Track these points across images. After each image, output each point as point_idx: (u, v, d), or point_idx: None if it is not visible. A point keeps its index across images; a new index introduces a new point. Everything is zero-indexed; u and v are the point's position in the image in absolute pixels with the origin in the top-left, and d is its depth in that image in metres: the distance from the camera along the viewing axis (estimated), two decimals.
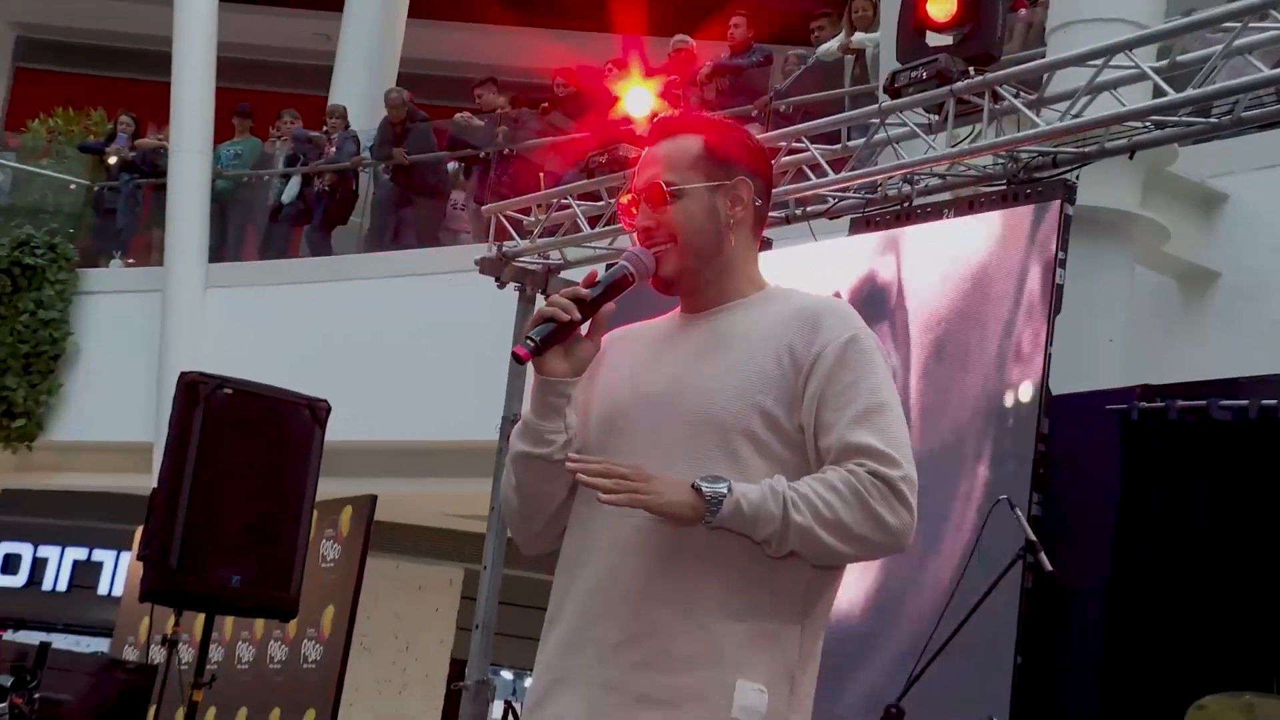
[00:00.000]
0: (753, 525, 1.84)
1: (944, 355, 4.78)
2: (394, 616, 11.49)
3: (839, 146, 5.51)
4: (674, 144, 2.06)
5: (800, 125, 5.78)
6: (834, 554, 1.88)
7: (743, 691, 1.87)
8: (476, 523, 8.17)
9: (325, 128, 11.21)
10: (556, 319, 2.01)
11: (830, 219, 5.65)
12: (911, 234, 5.09)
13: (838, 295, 5.03)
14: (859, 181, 5.37)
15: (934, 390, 4.77)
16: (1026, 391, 4.48)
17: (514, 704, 7.34)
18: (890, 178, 5.30)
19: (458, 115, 10.66)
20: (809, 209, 5.71)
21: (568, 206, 6.51)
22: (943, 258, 4.92)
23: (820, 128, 5.57)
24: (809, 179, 5.52)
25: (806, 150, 5.55)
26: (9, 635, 10.04)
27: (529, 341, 2.01)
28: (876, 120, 5.19)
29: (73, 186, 12.01)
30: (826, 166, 5.43)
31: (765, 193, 2.08)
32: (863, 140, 5.39)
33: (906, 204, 5.22)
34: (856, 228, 5.37)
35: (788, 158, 5.62)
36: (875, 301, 5.04)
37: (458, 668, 11.47)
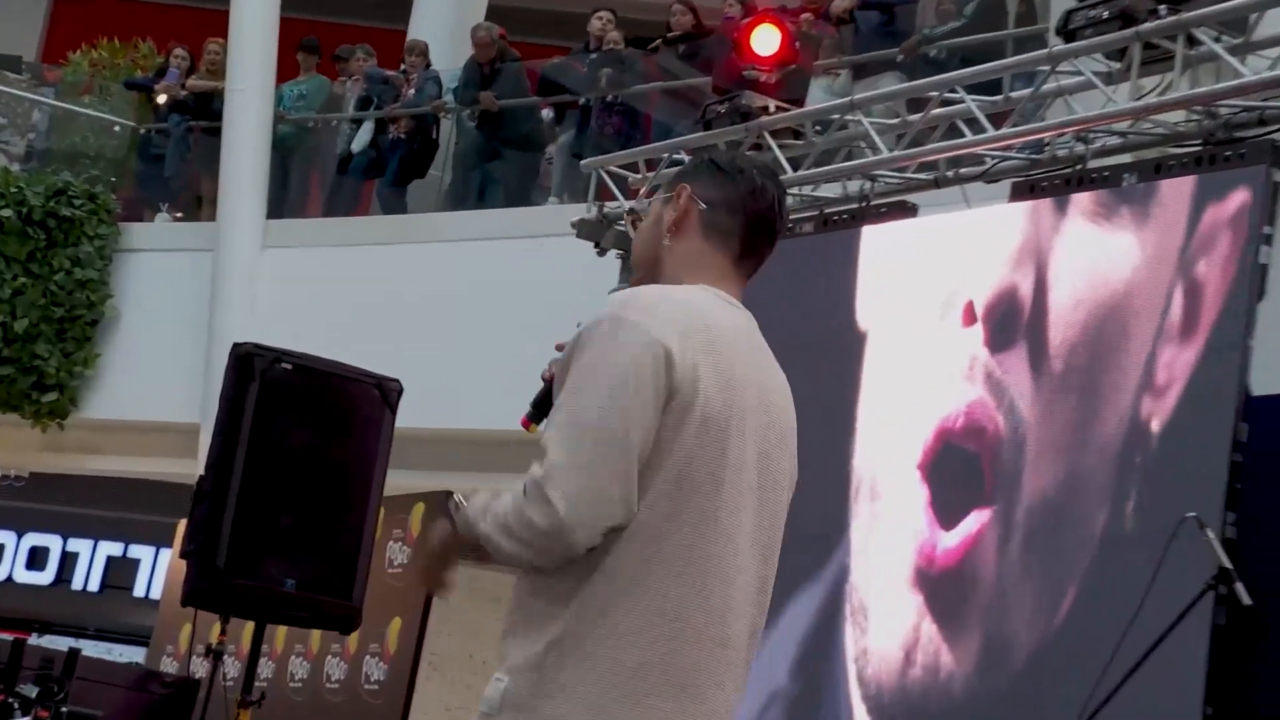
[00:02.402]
0: (473, 534, 2.41)
1: (1094, 353, 4.74)
2: (468, 632, 11.63)
3: (999, 98, 5.47)
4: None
5: (955, 73, 5.74)
6: (514, 558, 2.35)
7: (491, 682, 2.36)
8: None
9: (403, 67, 11.33)
10: (545, 379, 2.52)
11: (987, 183, 5.62)
12: (1078, 203, 5.04)
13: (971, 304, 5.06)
14: (1023, 140, 5.33)
15: (1075, 401, 4.73)
16: (1201, 395, 4.42)
17: None
18: (1060, 135, 5.25)
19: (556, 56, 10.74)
20: (961, 170, 5.67)
21: (679, 163, 6.53)
22: (1097, 238, 4.87)
23: (978, 76, 5.54)
24: (963, 136, 5.49)
25: (961, 102, 5.51)
26: (34, 640, 10.34)
27: (531, 410, 2.60)
28: (1046, 68, 5.14)
29: (116, 128, 12.25)
30: (985, 121, 5.39)
31: (722, 200, 2.55)
32: (1028, 91, 5.34)
33: (1079, 167, 5.17)
34: (1018, 194, 5.33)
35: (939, 110, 5.59)
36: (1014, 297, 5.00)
37: None
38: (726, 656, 2.41)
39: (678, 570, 2.35)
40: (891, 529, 5.20)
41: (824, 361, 5.54)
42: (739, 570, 2.42)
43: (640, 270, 2.61)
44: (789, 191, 6.19)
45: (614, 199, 6.78)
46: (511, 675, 2.33)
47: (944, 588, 4.94)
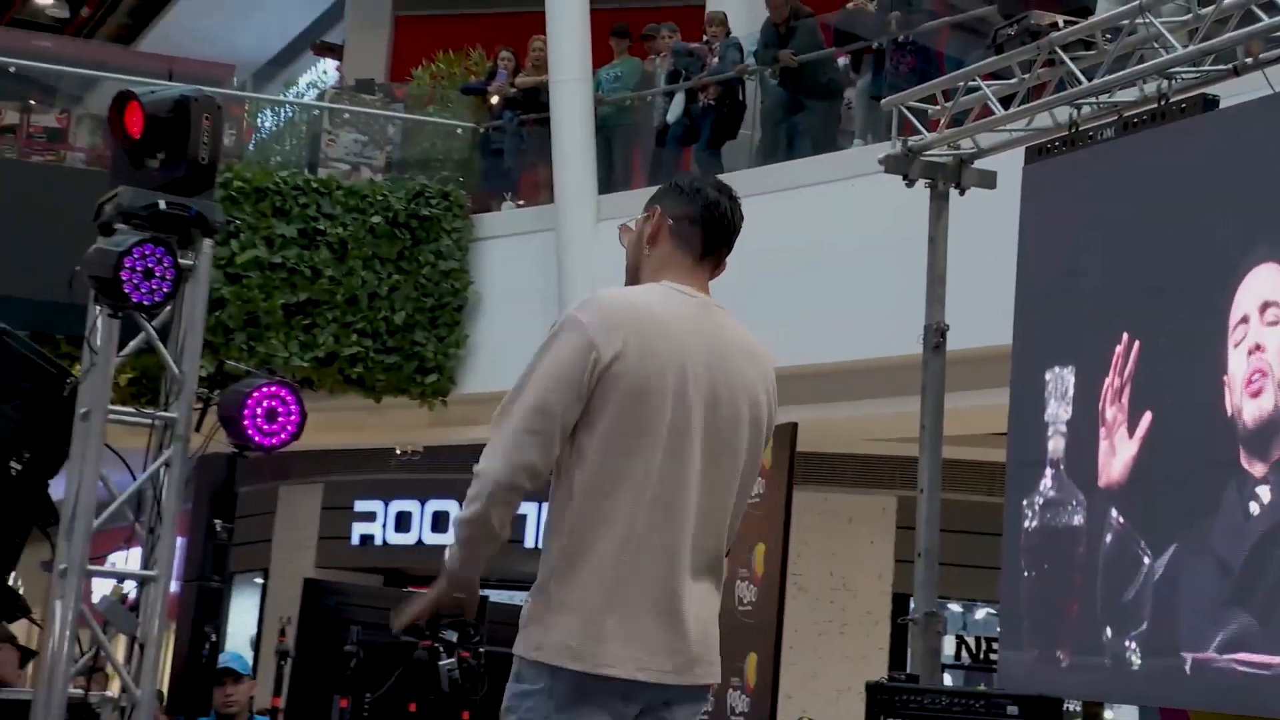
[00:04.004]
0: (455, 555, 2.98)
1: None
2: (827, 552, 11.66)
3: None
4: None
5: None
6: (477, 518, 2.90)
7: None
8: (906, 445, 8.15)
9: (705, 38, 11.37)
10: None
11: None
12: None
13: None
14: None
15: None
16: None
17: (966, 638, 7.31)
18: None
19: (848, 4, 10.58)
20: (1261, 56, 5.34)
21: (976, 89, 6.36)
22: None
23: None
24: (1259, 20, 5.17)
25: None
26: None
27: None
28: None
29: (459, 131, 12.68)
30: None
31: (685, 215, 3.13)
32: None
33: None
34: None
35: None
36: None
37: (900, 603, 11.64)
38: (680, 569, 2.94)
39: (630, 507, 2.90)
40: None
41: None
42: (688, 504, 2.94)
43: (629, 274, 3.17)
44: (1087, 101, 5.96)
45: (916, 133, 6.66)
46: (529, 597, 2.95)
47: None
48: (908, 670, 6.33)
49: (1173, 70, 5.59)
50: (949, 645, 8.06)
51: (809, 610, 11.49)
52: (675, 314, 3.02)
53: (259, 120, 13.63)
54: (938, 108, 6.57)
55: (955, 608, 11.81)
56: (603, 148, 11.42)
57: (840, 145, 10.31)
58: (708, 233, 3.15)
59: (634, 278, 3.16)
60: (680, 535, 2.94)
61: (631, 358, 2.92)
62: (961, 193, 6.69)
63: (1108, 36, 5.89)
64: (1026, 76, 6.11)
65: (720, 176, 10.70)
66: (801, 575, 10.94)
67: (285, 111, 13.92)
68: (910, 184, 6.67)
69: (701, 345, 3.02)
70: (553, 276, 10.88)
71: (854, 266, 9.14)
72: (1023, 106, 6.16)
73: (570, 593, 2.90)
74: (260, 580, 15.11)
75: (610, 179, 11.46)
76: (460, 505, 2.94)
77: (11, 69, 12.34)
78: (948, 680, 9.09)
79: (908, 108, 6.68)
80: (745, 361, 3.10)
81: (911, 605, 6.57)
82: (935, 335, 6.61)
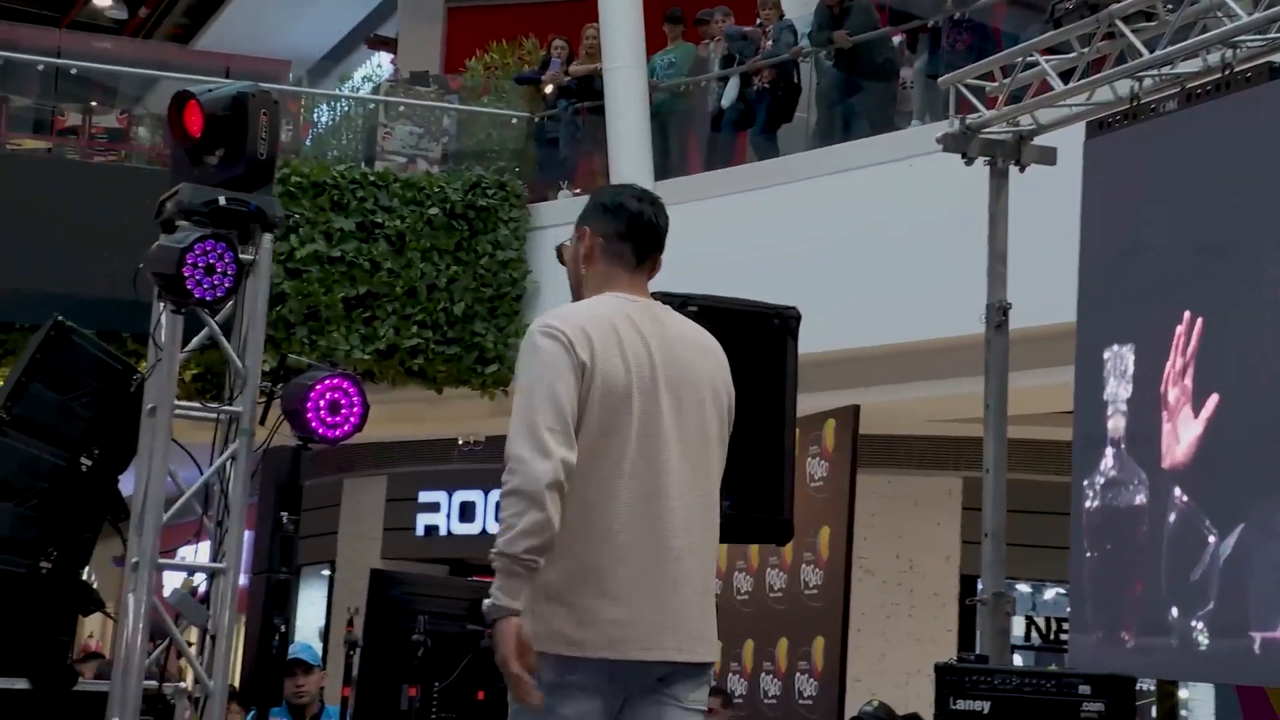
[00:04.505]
0: (498, 596, 3.01)
1: None
2: (893, 534, 11.62)
3: None
4: None
5: None
6: (525, 533, 2.99)
7: None
8: (970, 426, 8.11)
9: (759, 21, 11.32)
10: None
11: None
12: None
13: None
14: None
15: None
16: None
17: (1036, 620, 7.27)
18: None
19: None
20: None
21: (1034, 64, 6.30)
22: None
23: None
24: None
25: None
26: None
27: None
28: None
29: (514, 121, 12.70)
30: None
31: (614, 232, 3.32)
32: None
33: None
34: None
35: None
36: None
37: (968, 584, 11.57)
38: (666, 554, 3.12)
39: (611, 500, 3.09)
40: None
41: None
42: (666, 493, 3.13)
43: (574, 293, 3.39)
44: (1149, 74, 5.89)
45: (974, 110, 6.60)
46: (524, 614, 3.02)
47: None
48: (977, 651, 6.29)
49: (1237, 39, 5.51)
50: (1018, 626, 8.02)
51: (876, 593, 11.46)
52: (625, 317, 3.23)
53: (315, 115, 13.72)
54: (996, 84, 6.52)
55: (1024, 588, 11.74)
56: (658, 134, 11.41)
57: (897, 125, 10.26)
58: (637, 244, 3.35)
59: (578, 296, 3.38)
60: (662, 523, 3.13)
61: (599, 362, 3.14)
62: (1021, 170, 6.64)
63: (1169, 7, 5.82)
64: (1086, 50, 6.05)
65: (777, 162, 10.72)
66: (868, 558, 10.91)
67: (341, 106, 14.00)
68: (969, 162, 6.63)
69: (655, 345, 3.23)
70: None
71: (914, 247, 9.09)
72: (1083, 81, 6.09)
73: (558, 583, 3.07)
74: (327, 572, 15.24)
75: (666, 165, 11.46)
76: (515, 510, 3.02)
77: (73, 71, 12.48)
78: (1017, 662, 9.04)
79: (965, 85, 6.64)
80: (698, 355, 3.31)
81: (979, 586, 6.54)
82: (998, 314, 6.57)
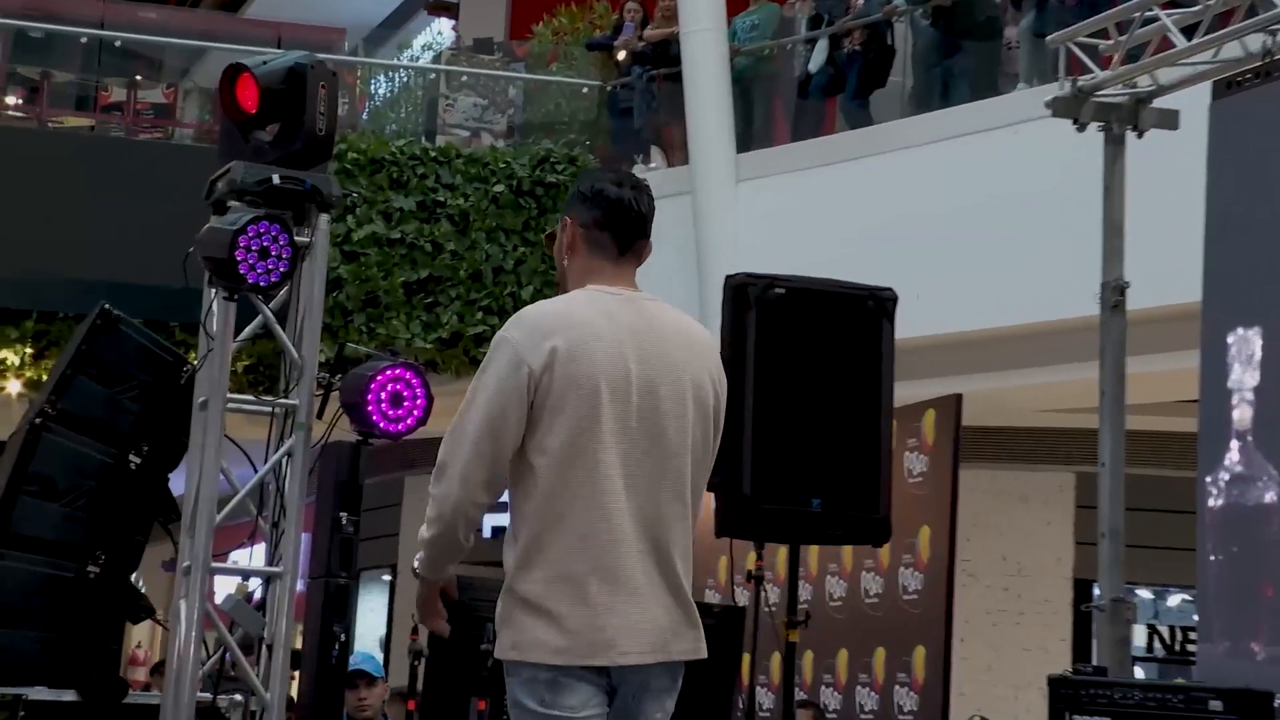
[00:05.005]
0: (422, 563, 3.50)
1: None
2: (999, 535, 11.54)
3: None
4: None
5: None
6: (435, 531, 3.38)
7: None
8: (1084, 416, 8.04)
9: None
10: None
11: None
12: None
13: None
14: None
15: None
16: None
17: (1159, 628, 7.19)
18: None
19: None
20: None
21: (1153, 19, 6.22)
22: None
23: None
24: None
25: None
26: None
27: None
28: None
29: (584, 90, 12.73)
30: None
31: (593, 221, 3.46)
32: None
33: None
34: None
35: None
36: None
37: (1082, 589, 11.48)
38: (642, 555, 3.31)
39: (584, 503, 3.29)
40: None
41: None
42: (640, 492, 3.32)
43: (560, 285, 3.56)
44: None
45: (1087, 71, 6.53)
46: (499, 599, 3.37)
47: None
48: (1094, 663, 6.23)
49: None
50: (1139, 635, 7.93)
51: (981, 599, 11.39)
52: (602, 313, 3.38)
53: (372, 87, 13.84)
54: (1110, 43, 6.45)
55: (1145, 594, 11.62)
56: (739, 102, 11.39)
57: (1002, 89, 10.17)
58: (618, 233, 3.48)
59: (562, 288, 3.55)
60: (636, 522, 3.32)
61: (565, 362, 3.30)
62: (1139, 135, 6.56)
63: None
64: (1211, 3, 5.96)
65: (870, 131, 10.68)
66: (971, 561, 10.84)
67: (400, 76, 14.11)
68: (1081, 128, 6.56)
69: (633, 339, 3.37)
70: (689, 244, 10.88)
71: (1021, 221, 9.02)
72: (1208, 37, 6.00)
73: (536, 591, 3.29)
74: (388, 577, 15.36)
75: (749, 136, 11.44)
76: (430, 514, 3.37)
77: (117, 43, 12.66)
78: (1139, 675, 8.95)
79: (1077, 44, 6.57)
80: (682, 348, 3.44)
81: (1095, 591, 6.48)
82: (1114, 293, 6.50)
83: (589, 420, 3.30)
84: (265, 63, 4.77)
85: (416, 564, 3.47)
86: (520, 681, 3.32)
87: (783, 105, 11.99)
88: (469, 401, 3.34)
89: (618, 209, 3.47)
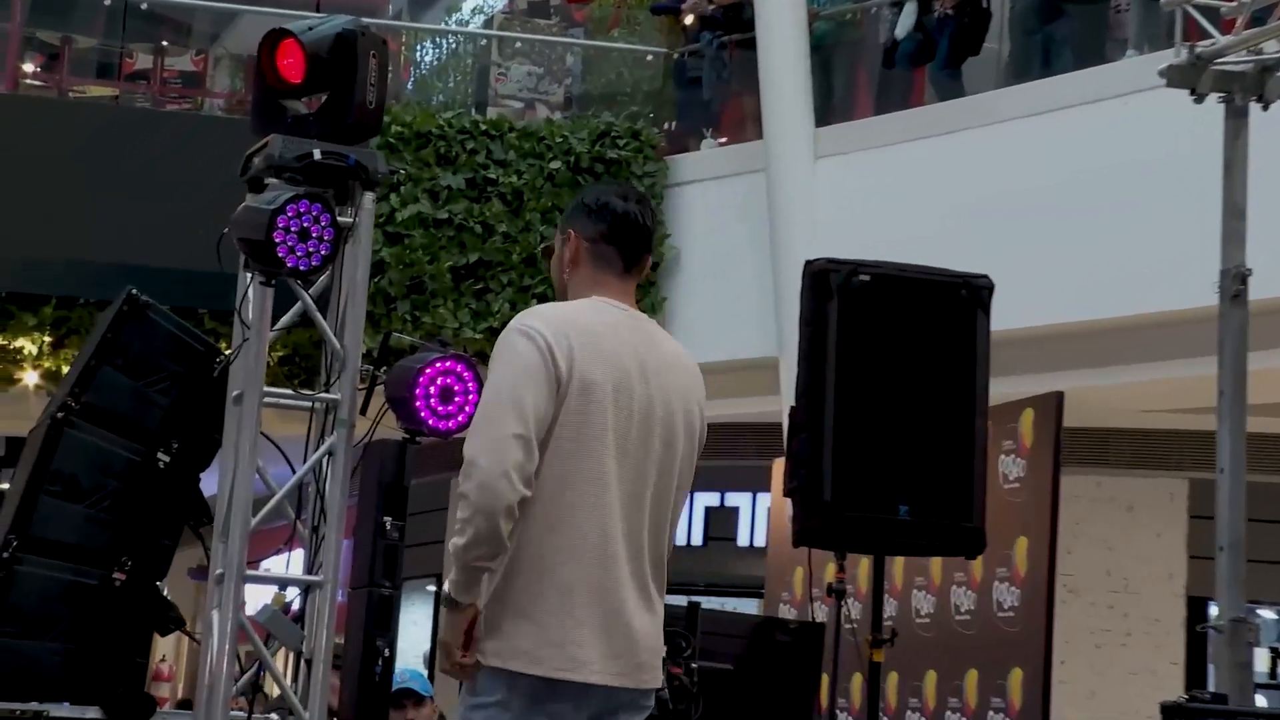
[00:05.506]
0: (453, 588, 3.51)
1: None
2: (1103, 547, 11.48)
3: None
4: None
5: None
6: (476, 542, 3.43)
7: None
8: (1199, 417, 7.98)
9: None
10: None
11: None
12: None
13: None
14: None
15: None
16: None
17: None
18: None
19: None
20: None
21: None
22: None
23: None
24: None
25: None
26: None
27: None
28: None
29: (649, 58, 12.74)
30: None
31: (599, 235, 3.70)
32: None
33: None
34: None
35: None
36: None
37: (1196, 607, 11.39)
38: (629, 576, 3.53)
39: (580, 514, 3.48)
40: None
41: None
42: (636, 511, 3.54)
43: (559, 297, 3.78)
44: None
45: (1206, 37, 6.49)
46: (484, 605, 3.50)
47: None
48: (1211, 689, 6.19)
49: None
50: (1260, 660, 7.84)
51: (1083, 617, 11.34)
52: (609, 326, 3.62)
53: (418, 54, 13.89)
54: (1234, 4, 6.40)
55: (1268, 614, 11.53)
56: (819, 72, 11.36)
57: (1109, 57, 10.12)
58: (625, 248, 3.72)
59: (561, 298, 3.77)
60: (629, 543, 3.54)
61: (578, 367, 3.51)
62: (1265, 107, 6.51)
63: None
64: None
65: (962, 102, 10.64)
66: (1073, 575, 10.79)
67: (448, 42, 14.16)
68: (1199, 99, 6.52)
69: (635, 357, 3.61)
70: (762, 226, 10.87)
71: (1130, 202, 8.96)
72: None
73: (524, 600, 3.48)
74: (433, 587, 15.44)
75: (828, 109, 11.41)
76: (465, 515, 3.43)
77: (143, 6, 12.76)
78: (1260, 703, 8.87)
79: (1194, 6, 6.52)
80: (677, 372, 3.70)
81: (1212, 610, 6.44)
82: (1234, 282, 6.45)
83: (594, 430, 3.52)
84: (310, 28, 4.79)
85: (448, 586, 3.53)
86: (480, 705, 3.51)
87: (866, 74, 11.96)
88: (495, 392, 3.50)
89: (625, 223, 3.71)
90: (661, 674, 3.65)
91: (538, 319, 3.58)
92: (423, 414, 4.99)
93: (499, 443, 3.42)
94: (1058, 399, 7.21)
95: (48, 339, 10.91)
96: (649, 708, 3.65)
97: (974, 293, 5.55)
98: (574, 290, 3.73)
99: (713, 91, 12.29)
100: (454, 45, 14.00)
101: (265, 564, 5.31)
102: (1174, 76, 6.49)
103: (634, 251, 3.74)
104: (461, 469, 3.44)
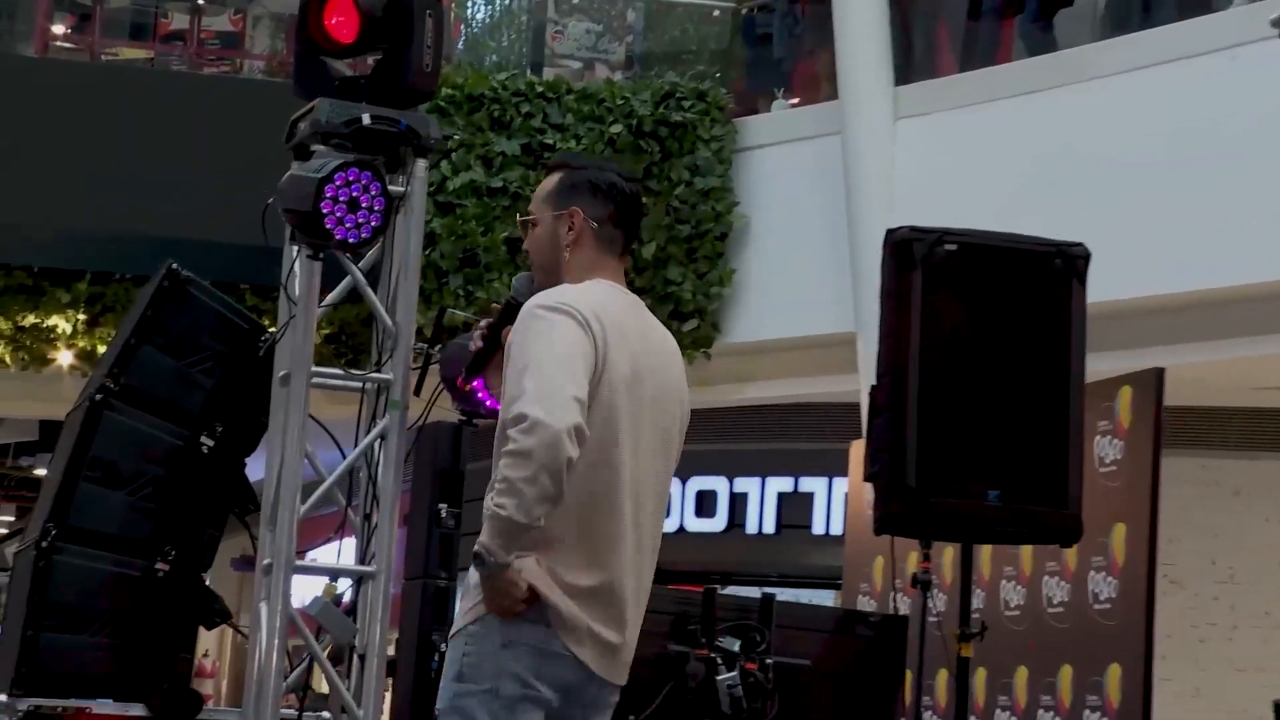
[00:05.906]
0: (488, 551, 3.54)
1: None
2: (1208, 534, 11.42)
3: None
4: (542, 183, 3.91)
5: None
6: (529, 504, 3.47)
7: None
8: None
9: None
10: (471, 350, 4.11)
11: None
12: None
13: None
14: None
15: None
16: None
17: None
18: None
19: None
20: None
21: None
22: None
23: None
24: None
25: None
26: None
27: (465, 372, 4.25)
28: None
29: (715, 13, 12.70)
30: None
31: (607, 217, 3.81)
32: None
33: None
34: None
35: None
36: None
37: None
38: (632, 566, 3.68)
39: (591, 499, 3.61)
40: None
41: None
42: (643, 496, 3.69)
43: (542, 274, 3.86)
44: None
45: None
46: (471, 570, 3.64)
47: None
48: None
49: None
50: None
51: (1187, 610, 11.29)
52: (620, 309, 3.77)
53: (469, 11, 13.91)
54: None
55: None
56: (898, 26, 11.31)
57: (1215, 6, 10.02)
58: (628, 230, 3.89)
59: (552, 279, 3.81)
60: (636, 529, 3.70)
61: (610, 352, 3.64)
62: None
63: None
64: None
65: (1054, 58, 10.57)
66: (1175, 564, 10.73)
67: None
68: None
69: (642, 343, 3.77)
70: (838, 192, 10.84)
71: (1237, 164, 8.89)
72: None
73: (532, 569, 3.58)
74: None
75: (909, 66, 11.35)
76: (526, 474, 3.47)
77: None
78: None
79: None
80: (672, 356, 3.88)
81: None
82: None
83: (612, 414, 3.65)
84: None
85: (491, 547, 3.54)
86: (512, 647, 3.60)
87: (949, 29, 11.90)
88: (539, 360, 3.54)
89: (631, 205, 3.88)
90: (624, 671, 3.77)
91: (565, 298, 3.67)
92: (480, 395, 5.01)
93: (563, 403, 3.49)
94: (1158, 375, 7.16)
95: (82, 316, 10.99)
96: (614, 701, 3.77)
97: (1069, 262, 5.54)
98: (573, 270, 3.80)
99: (784, 49, 12.25)
100: (508, 2, 14.01)
101: (314, 554, 5.36)
102: None
103: (634, 234, 3.93)
104: (513, 427, 3.50)
